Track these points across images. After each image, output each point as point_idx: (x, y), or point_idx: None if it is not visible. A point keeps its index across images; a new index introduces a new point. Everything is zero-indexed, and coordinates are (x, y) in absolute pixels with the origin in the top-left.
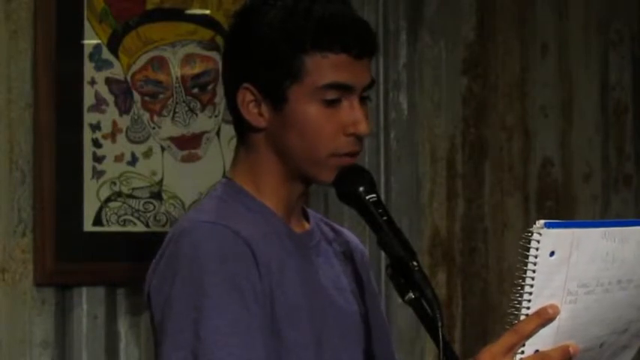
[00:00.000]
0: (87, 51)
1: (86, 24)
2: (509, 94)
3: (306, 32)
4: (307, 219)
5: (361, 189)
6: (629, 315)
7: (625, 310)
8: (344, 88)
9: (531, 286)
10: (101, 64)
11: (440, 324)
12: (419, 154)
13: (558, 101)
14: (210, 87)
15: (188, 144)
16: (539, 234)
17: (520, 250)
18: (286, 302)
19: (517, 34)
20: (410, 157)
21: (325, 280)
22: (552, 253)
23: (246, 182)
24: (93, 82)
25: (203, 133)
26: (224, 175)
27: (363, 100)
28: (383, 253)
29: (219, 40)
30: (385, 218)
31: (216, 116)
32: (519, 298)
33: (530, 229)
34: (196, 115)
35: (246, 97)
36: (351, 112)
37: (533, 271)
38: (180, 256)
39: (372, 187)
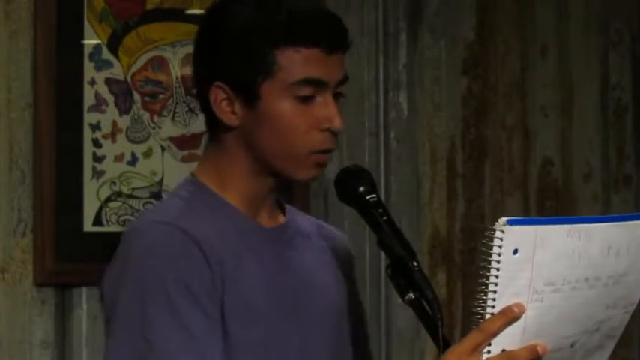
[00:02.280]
0: (87, 51)
1: (86, 24)
2: (509, 94)
3: (277, 27)
4: (284, 213)
5: (361, 189)
6: (598, 314)
7: (594, 309)
8: (317, 84)
9: (495, 284)
10: (101, 64)
11: (440, 324)
12: (419, 154)
13: (558, 101)
14: None
15: (188, 144)
16: (502, 231)
17: (483, 249)
18: (239, 299)
19: (517, 34)
20: (410, 157)
21: (295, 276)
22: (516, 251)
23: (210, 180)
24: (93, 82)
25: (203, 133)
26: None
27: (337, 96)
28: (383, 253)
29: None
30: (385, 218)
31: None
32: (484, 297)
33: (493, 227)
34: (196, 115)
35: (219, 95)
36: (325, 107)
37: (497, 269)
38: (129, 257)
39: (372, 187)
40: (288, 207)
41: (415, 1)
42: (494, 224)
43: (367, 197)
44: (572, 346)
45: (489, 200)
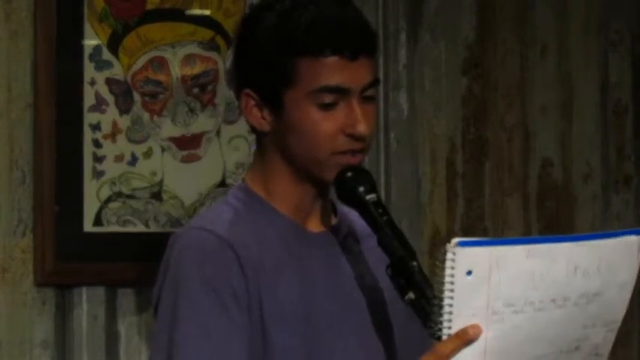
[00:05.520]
0: (87, 51)
1: (86, 24)
2: (509, 94)
3: (297, 37)
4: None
5: (361, 189)
6: (574, 333)
7: (567, 328)
8: (339, 91)
9: (450, 305)
10: (101, 65)
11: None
12: (419, 154)
13: (558, 101)
14: (210, 87)
15: (188, 144)
16: (453, 253)
17: (436, 270)
18: (276, 305)
19: (517, 34)
20: (410, 157)
21: (341, 281)
22: (469, 273)
23: (257, 185)
24: (93, 83)
25: (203, 133)
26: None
27: (368, 99)
28: None
29: (219, 40)
30: (385, 218)
31: (216, 116)
32: (440, 319)
33: (444, 248)
34: (196, 115)
35: (249, 101)
36: (349, 113)
37: (452, 291)
38: (169, 262)
39: (372, 187)
40: (343, 209)
41: (415, 1)
42: (495, 225)
43: (367, 197)
44: None
45: (489, 200)
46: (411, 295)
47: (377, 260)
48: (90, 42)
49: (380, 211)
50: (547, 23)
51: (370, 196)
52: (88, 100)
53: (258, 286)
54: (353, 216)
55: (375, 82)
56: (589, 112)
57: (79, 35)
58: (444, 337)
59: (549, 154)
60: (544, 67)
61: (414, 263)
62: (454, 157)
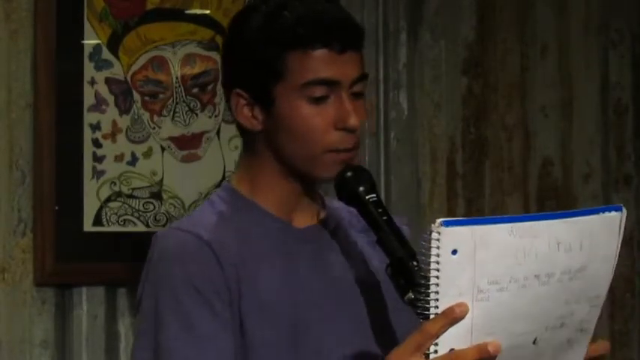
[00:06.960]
0: (87, 51)
1: (86, 24)
2: (509, 94)
3: (285, 31)
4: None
5: (361, 189)
6: (558, 310)
7: (551, 305)
8: (329, 84)
9: (437, 284)
10: (101, 64)
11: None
12: (419, 154)
13: (558, 101)
14: (210, 87)
15: (188, 144)
16: (438, 232)
17: (422, 250)
18: (257, 299)
19: (517, 34)
20: (410, 157)
21: (328, 275)
22: (455, 252)
23: (242, 184)
24: (93, 82)
25: (203, 133)
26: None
27: (356, 95)
28: None
29: (219, 40)
30: (385, 218)
31: (216, 116)
32: (427, 298)
33: (430, 229)
34: (196, 115)
35: (239, 101)
36: (339, 106)
37: (437, 270)
38: (150, 262)
39: (372, 187)
40: (334, 204)
41: (415, 1)
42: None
43: (367, 197)
44: (534, 342)
45: (489, 200)
46: (410, 295)
47: (368, 255)
48: (90, 42)
49: (380, 210)
50: (547, 23)
51: (370, 196)
52: (88, 99)
53: (239, 282)
54: (344, 212)
55: (363, 77)
56: (589, 111)
57: (79, 35)
58: (432, 317)
59: (549, 153)
60: (544, 66)
61: (414, 263)
62: (454, 157)
